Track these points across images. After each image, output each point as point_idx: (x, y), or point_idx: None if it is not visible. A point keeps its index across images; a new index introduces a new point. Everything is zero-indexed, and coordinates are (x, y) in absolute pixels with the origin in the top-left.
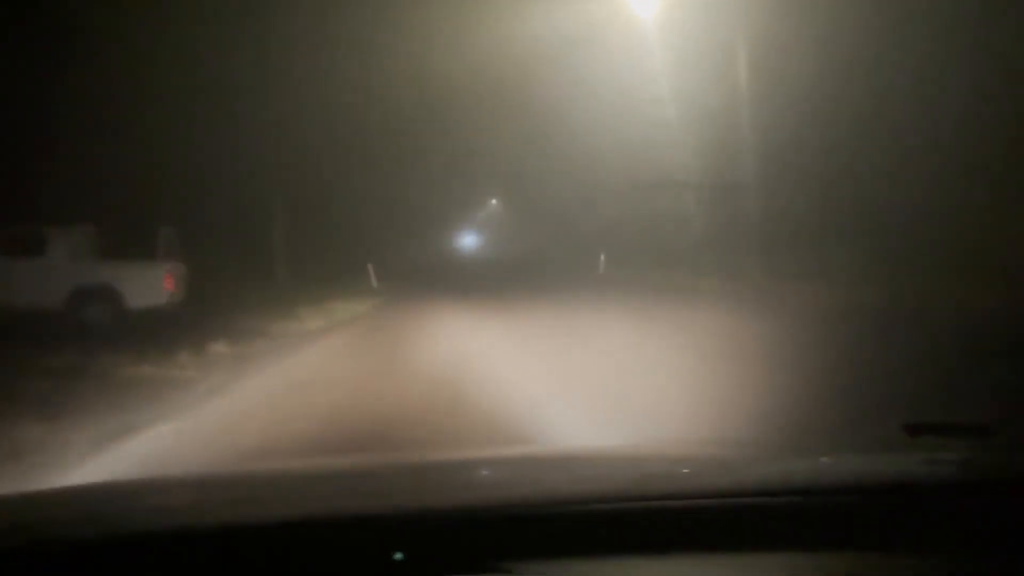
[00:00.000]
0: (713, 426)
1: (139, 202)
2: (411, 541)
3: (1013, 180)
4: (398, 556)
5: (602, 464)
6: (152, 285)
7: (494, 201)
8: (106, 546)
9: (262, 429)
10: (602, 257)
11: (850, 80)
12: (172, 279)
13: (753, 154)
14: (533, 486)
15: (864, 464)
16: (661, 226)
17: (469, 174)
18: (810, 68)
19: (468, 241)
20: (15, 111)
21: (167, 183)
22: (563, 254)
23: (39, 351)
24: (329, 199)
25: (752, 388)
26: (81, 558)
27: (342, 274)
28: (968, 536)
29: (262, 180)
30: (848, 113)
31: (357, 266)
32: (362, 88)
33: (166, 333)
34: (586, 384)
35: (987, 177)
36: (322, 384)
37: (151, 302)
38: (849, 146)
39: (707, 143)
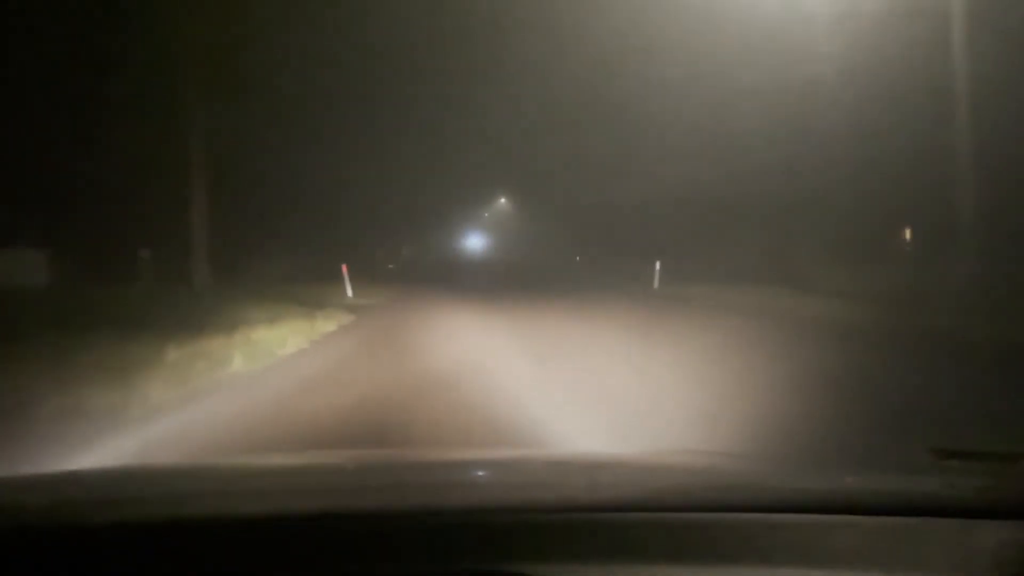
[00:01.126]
0: None
1: None
2: (420, 539)
3: None
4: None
5: (619, 471)
6: None
7: (503, 200)
8: (105, 531)
9: None
10: (657, 267)
11: None
12: None
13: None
14: (545, 490)
15: (881, 483)
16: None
17: (481, 165)
18: None
19: (475, 243)
20: None
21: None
22: (602, 262)
23: None
24: (290, 177)
25: None
26: (79, 542)
27: (307, 279)
28: (984, 560)
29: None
30: None
31: (331, 270)
32: (339, 38)
33: None
34: None
35: None
36: None
37: None
38: None
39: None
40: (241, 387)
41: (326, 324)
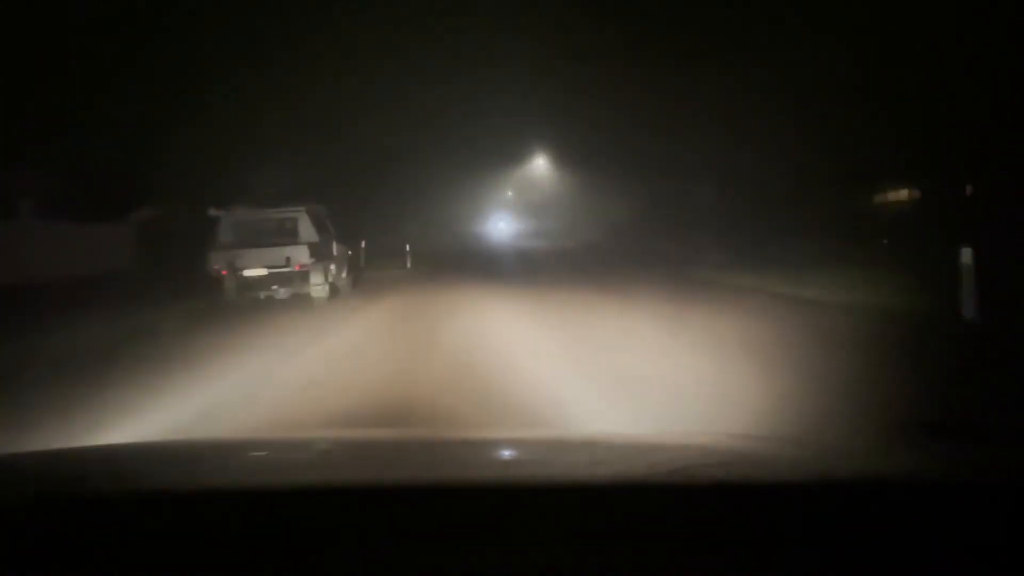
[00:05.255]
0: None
1: None
2: (417, 515)
3: None
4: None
5: (620, 449)
6: None
7: (541, 160)
8: (124, 503)
9: None
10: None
11: None
12: None
13: None
14: (544, 466)
15: (882, 464)
16: None
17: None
18: None
19: (501, 227)
20: None
21: None
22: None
23: None
24: None
25: None
26: (100, 514)
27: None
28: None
29: None
30: None
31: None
32: None
33: None
34: None
35: None
36: None
37: None
38: None
39: None
40: None
41: None
